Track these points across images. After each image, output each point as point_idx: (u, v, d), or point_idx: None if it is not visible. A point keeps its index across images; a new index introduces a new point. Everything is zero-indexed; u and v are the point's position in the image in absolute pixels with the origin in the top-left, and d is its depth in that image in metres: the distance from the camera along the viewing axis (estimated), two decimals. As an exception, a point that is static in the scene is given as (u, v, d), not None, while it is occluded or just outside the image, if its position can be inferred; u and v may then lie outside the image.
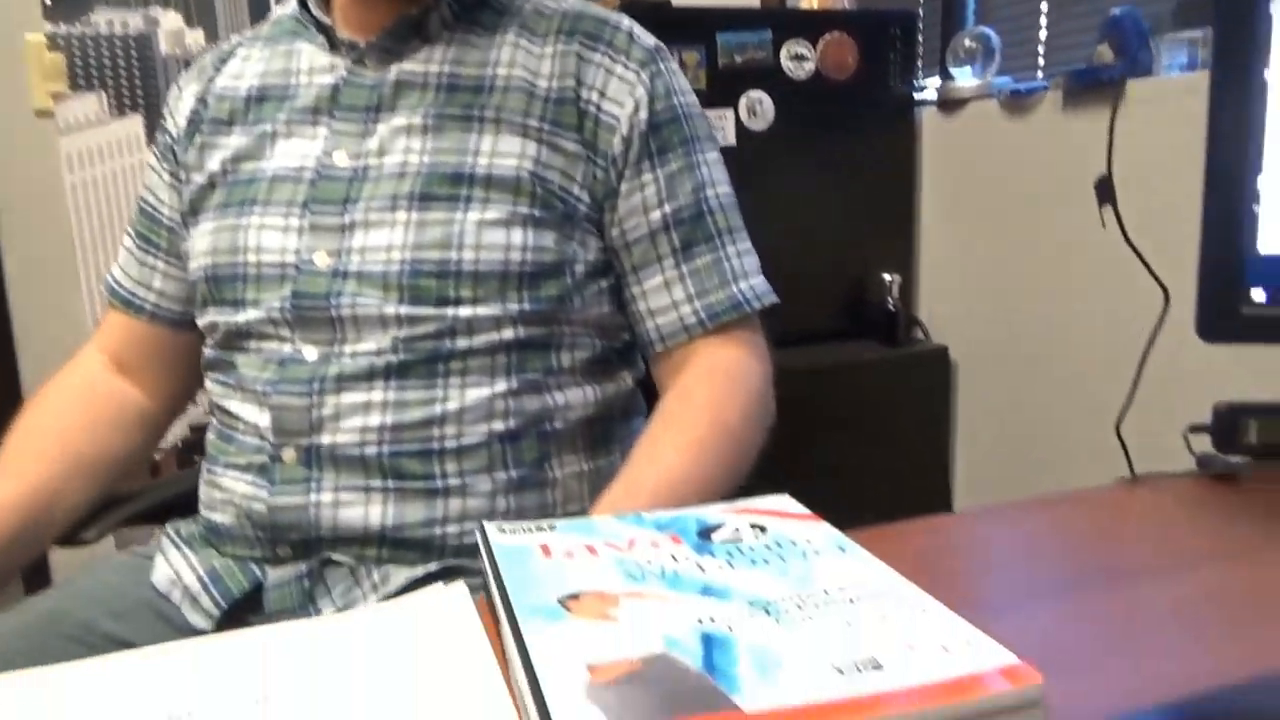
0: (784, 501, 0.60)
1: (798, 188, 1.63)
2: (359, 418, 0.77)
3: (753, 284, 0.87)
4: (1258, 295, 0.55)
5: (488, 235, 0.79)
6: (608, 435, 0.88)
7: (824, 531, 0.55)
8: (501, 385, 0.79)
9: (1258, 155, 0.55)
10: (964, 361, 1.64)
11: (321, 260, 0.80)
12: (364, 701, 0.45)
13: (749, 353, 0.86)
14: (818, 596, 0.46)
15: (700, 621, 0.44)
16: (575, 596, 0.47)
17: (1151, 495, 0.72)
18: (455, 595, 0.55)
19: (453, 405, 0.78)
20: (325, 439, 0.77)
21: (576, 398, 0.84)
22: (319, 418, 0.77)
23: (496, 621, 0.48)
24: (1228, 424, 0.76)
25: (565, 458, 0.84)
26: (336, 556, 0.79)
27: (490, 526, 0.56)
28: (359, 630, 0.53)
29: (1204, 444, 0.77)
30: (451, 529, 0.78)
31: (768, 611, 0.44)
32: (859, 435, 1.58)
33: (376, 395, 0.77)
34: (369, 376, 0.78)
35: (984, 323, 1.59)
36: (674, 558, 0.51)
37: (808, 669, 0.39)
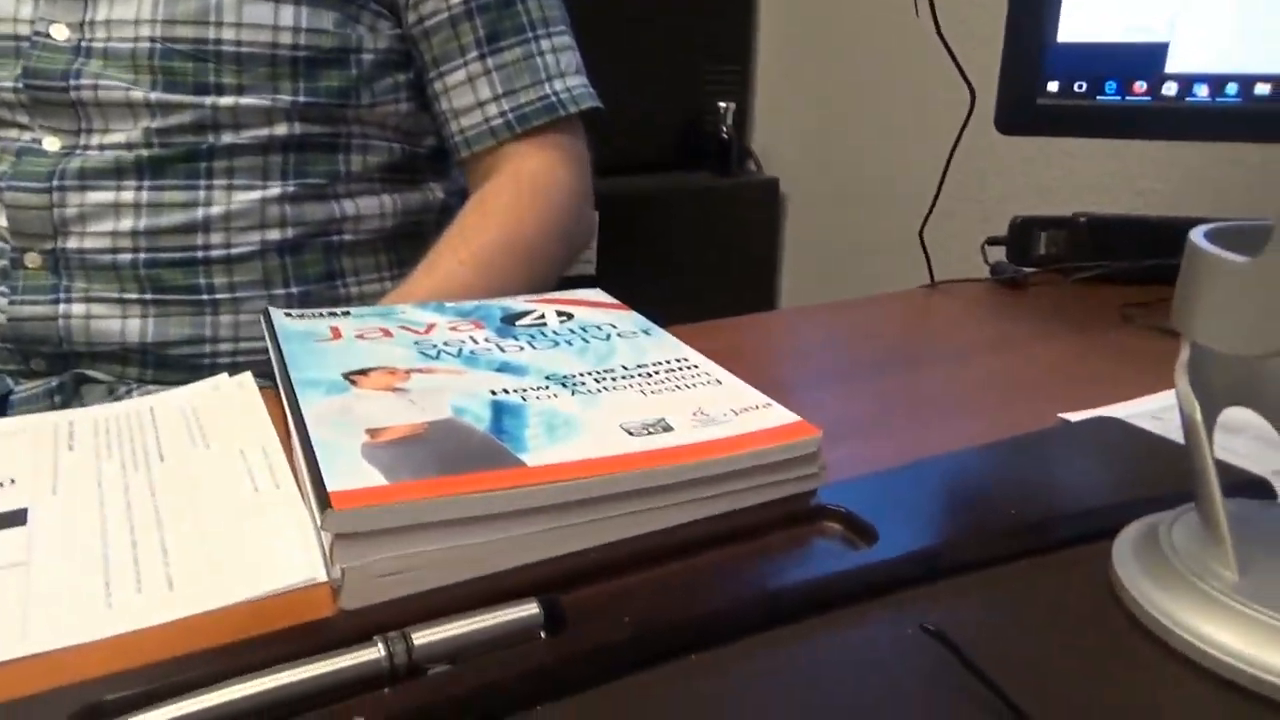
0: (594, 293, 0.60)
1: (633, 8, 1.57)
2: (108, 220, 0.69)
3: (569, 85, 0.79)
4: (1052, 86, 0.57)
5: (250, 11, 0.69)
6: (418, 252, 0.80)
7: (630, 317, 0.55)
8: (275, 189, 0.72)
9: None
10: (793, 194, 1.68)
11: (60, 33, 0.69)
12: (141, 485, 0.43)
13: (562, 162, 0.79)
14: (617, 372, 0.46)
15: (494, 393, 0.43)
16: (363, 372, 0.45)
17: (946, 299, 0.77)
18: (240, 384, 0.53)
19: (217, 209, 0.70)
20: (72, 243, 0.69)
21: (370, 207, 0.77)
22: (62, 218, 0.69)
23: (284, 408, 0.46)
24: (1021, 236, 0.82)
25: (363, 275, 0.78)
26: (93, 373, 0.72)
27: (276, 311, 0.53)
28: (137, 414, 0.50)
29: (999, 254, 0.82)
30: (224, 347, 0.72)
31: (565, 385, 0.44)
32: (687, 264, 1.60)
33: (128, 195, 0.69)
34: (117, 173, 0.69)
35: (814, 154, 1.62)
36: (473, 340, 0.50)
37: (597, 431, 0.39)
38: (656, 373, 0.46)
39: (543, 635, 0.30)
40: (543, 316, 0.55)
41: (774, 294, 1.70)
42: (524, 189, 0.77)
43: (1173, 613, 0.31)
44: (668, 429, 0.40)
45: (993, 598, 0.34)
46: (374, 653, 0.28)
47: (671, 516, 0.37)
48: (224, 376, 0.54)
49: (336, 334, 0.50)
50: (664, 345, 0.51)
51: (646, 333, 0.53)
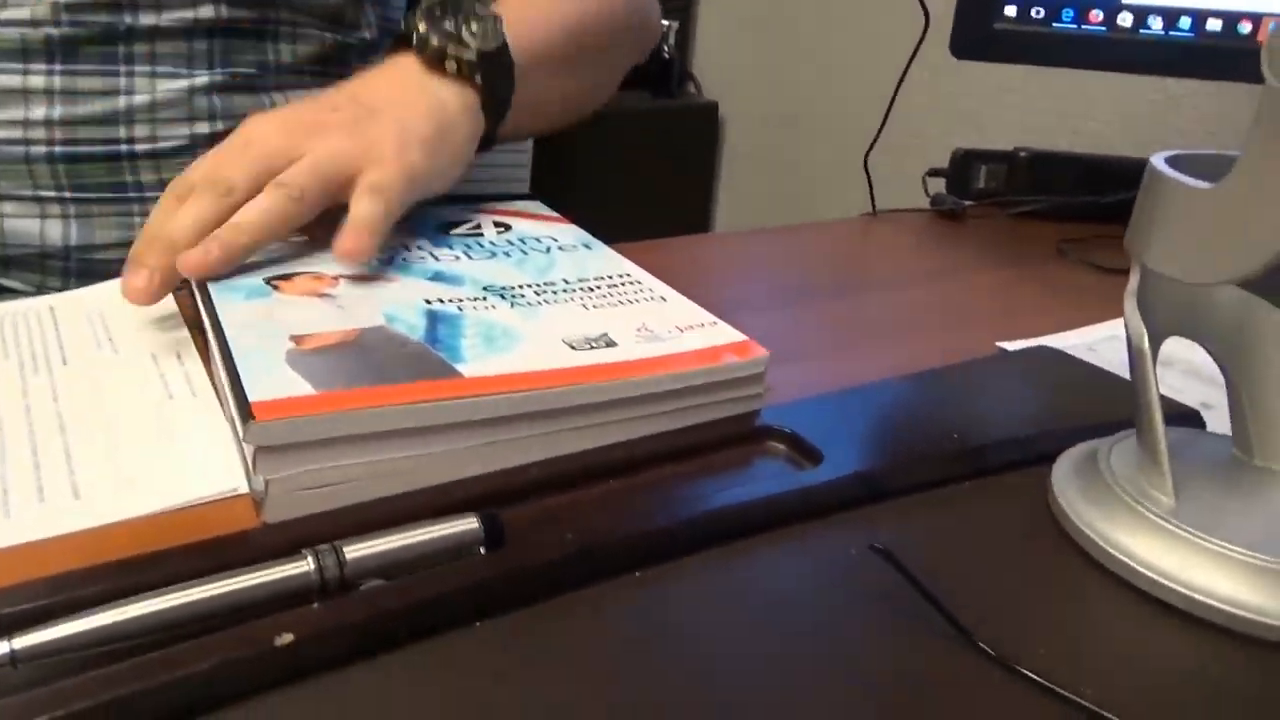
0: (534, 205, 0.58)
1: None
2: (17, 107, 0.62)
3: None
4: (1010, 11, 0.56)
5: None
6: None
7: (571, 230, 0.53)
8: (203, 78, 0.66)
9: None
10: (733, 118, 1.65)
11: None
12: (42, 389, 0.40)
13: None
14: (557, 286, 0.44)
15: (428, 301, 0.41)
16: (287, 277, 0.42)
17: (887, 227, 0.76)
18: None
19: (140, 99, 0.64)
20: None
21: (300, 99, 0.70)
22: None
23: (198, 313, 0.43)
24: (961, 169, 0.81)
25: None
26: (8, 283, 0.66)
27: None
28: (35, 314, 0.47)
29: (939, 186, 0.82)
30: None
31: (503, 297, 0.42)
32: (622, 184, 1.57)
33: (37, 80, 0.62)
34: (24, 54, 0.62)
35: (754, 78, 1.59)
36: (405, 247, 0.48)
37: (538, 344, 0.38)
38: (598, 287, 0.45)
39: (481, 551, 0.29)
40: (479, 227, 0.52)
41: (709, 218, 1.69)
42: None
43: (1110, 535, 0.32)
44: (611, 344, 0.39)
45: (935, 520, 0.34)
46: (302, 566, 0.26)
47: (613, 434, 0.36)
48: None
49: None
50: (606, 259, 0.49)
51: (587, 246, 0.51)
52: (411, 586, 0.27)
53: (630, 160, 1.57)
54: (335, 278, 0.42)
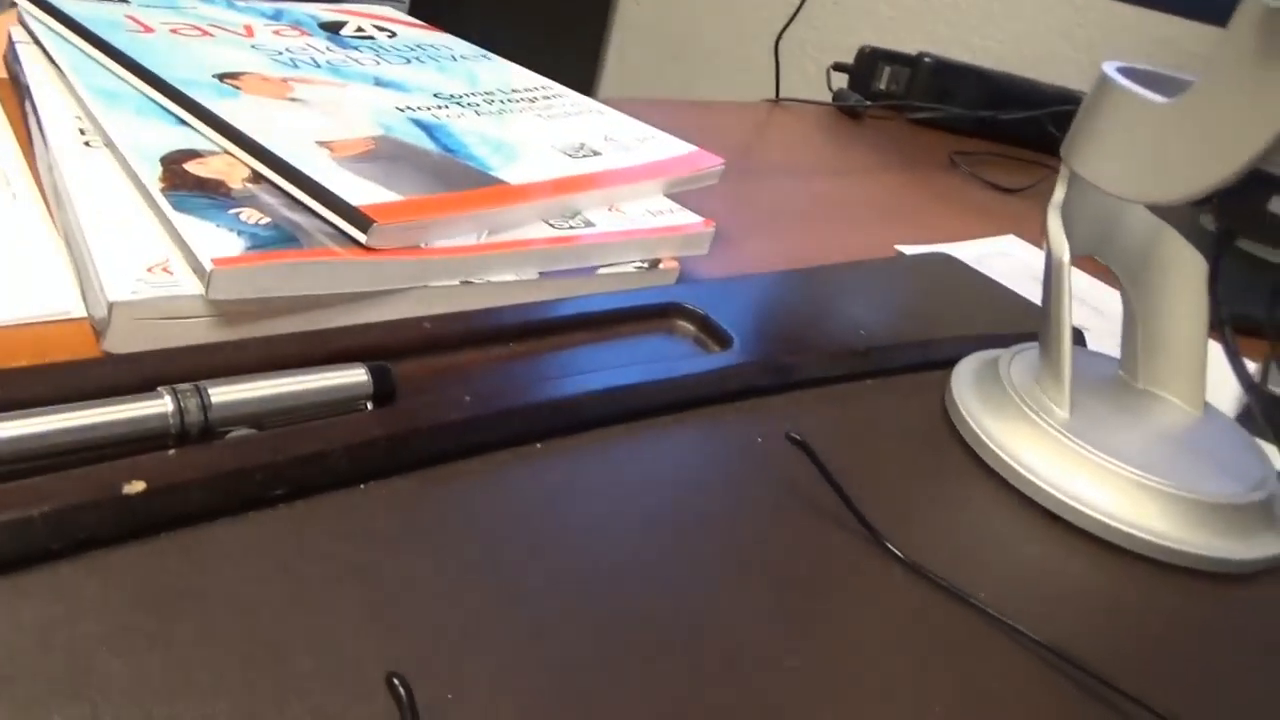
0: (387, 10, 0.54)
1: None
2: None
3: None
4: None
5: None
6: None
7: (460, 41, 0.51)
8: None
9: None
10: (629, -15, 1.57)
11: None
12: None
13: None
14: (497, 95, 0.43)
15: (400, 110, 0.38)
16: (234, 76, 0.37)
17: (789, 116, 0.75)
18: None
19: None
20: None
21: None
22: None
23: (24, 98, 0.36)
24: (866, 67, 0.80)
25: None
26: None
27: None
28: None
29: (842, 81, 0.81)
30: None
31: (461, 105, 0.41)
32: (503, 29, 1.47)
33: None
34: None
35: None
36: (314, 48, 0.43)
37: (537, 152, 0.38)
38: (535, 99, 0.44)
39: (369, 406, 0.26)
40: (362, 29, 0.48)
41: (592, 83, 1.62)
42: None
43: (1004, 441, 0.32)
44: (596, 153, 0.39)
45: (838, 413, 0.33)
46: (159, 405, 0.23)
47: (520, 294, 0.34)
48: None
49: (143, 25, 0.40)
50: (517, 71, 0.48)
51: (487, 58, 0.49)
52: (287, 438, 0.23)
53: (514, 8, 1.47)
54: (284, 80, 0.38)
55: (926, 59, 0.78)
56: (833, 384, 0.34)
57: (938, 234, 0.55)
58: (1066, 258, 0.33)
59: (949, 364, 0.37)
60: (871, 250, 0.49)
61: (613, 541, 0.25)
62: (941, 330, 0.39)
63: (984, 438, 0.32)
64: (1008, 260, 0.54)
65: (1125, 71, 0.31)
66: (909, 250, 0.51)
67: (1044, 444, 0.31)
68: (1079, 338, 0.43)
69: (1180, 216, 0.34)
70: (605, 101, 0.47)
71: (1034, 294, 0.45)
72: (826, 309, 0.39)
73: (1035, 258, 0.55)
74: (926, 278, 0.45)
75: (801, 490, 0.28)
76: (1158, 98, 0.29)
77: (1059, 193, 0.34)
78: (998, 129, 0.76)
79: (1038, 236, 0.58)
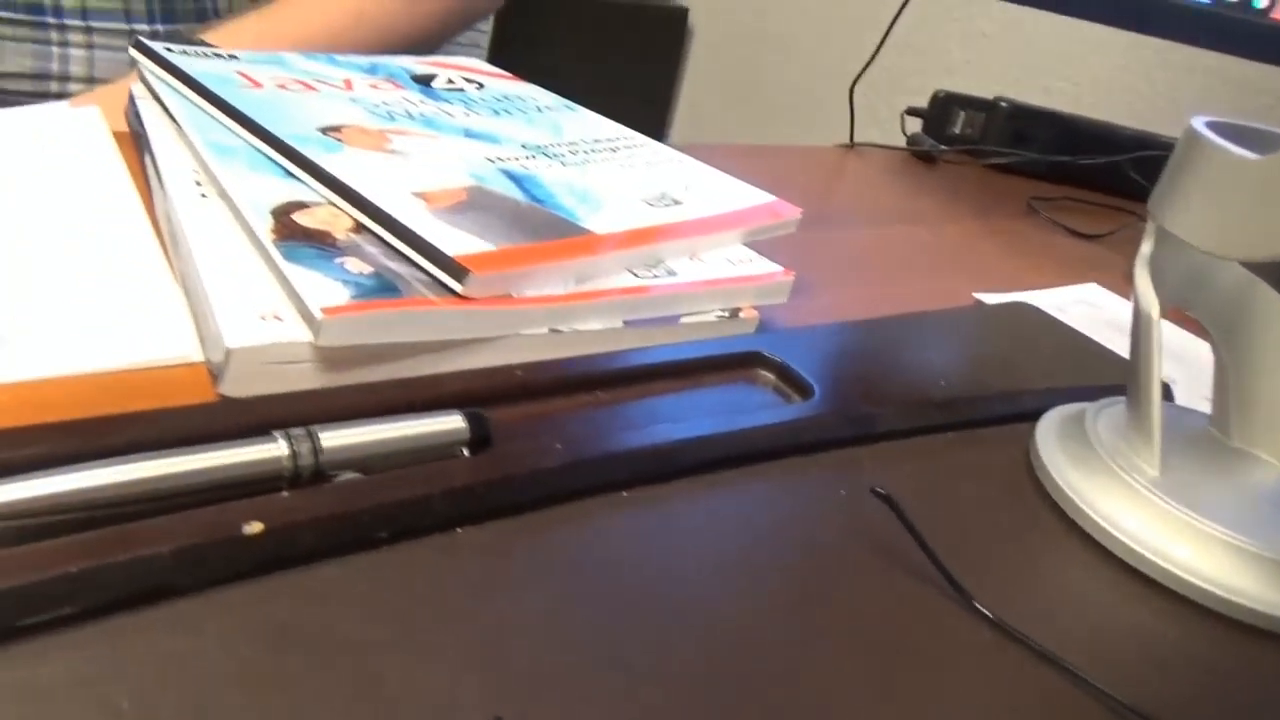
0: (474, 61, 0.55)
1: None
2: None
3: None
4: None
5: None
6: None
7: (543, 91, 0.52)
8: None
9: None
10: (701, 28, 1.60)
11: None
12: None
13: None
14: (581, 145, 0.45)
15: (490, 160, 0.40)
16: (336, 129, 0.39)
17: (862, 161, 0.75)
18: (86, 120, 0.44)
19: None
20: None
21: None
22: None
23: (141, 156, 0.38)
24: (940, 112, 0.80)
25: (240, 11, 0.66)
26: None
27: (156, 45, 0.44)
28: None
29: (916, 125, 0.81)
30: (75, 88, 0.61)
31: (547, 155, 0.42)
32: (577, 79, 1.51)
33: None
34: None
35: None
36: (409, 100, 0.45)
37: (621, 202, 0.39)
38: (617, 148, 0.45)
39: (465, 452, 0.27)
40: (452, 80, 0.50)
41: (663, 129, 1.64)
42: None
43: (1093, 499, 0.32)
44: (676, 202, 0.40)
45: (920, 467, 0.33)
46: (274, 449, 0.24)
47: (609, 342, 0.35)
48: (64, 105, 0.46)
49: (253, 81, 0.42)
50: (600, 121, 0.49)
51: (569, 108, 0.50)
52: (392, 483, 0.24)
53: (588, 52, 1.50)
54: (382, 132, 0.41)
55: (1002, 103, 0.78)
56: (914, 436, 0.34)
57: (1016, 281, 0.55)
58: (1156, 313, 0.32)
59: (1032, 416, 0.36)
60: (949, 298, 0.49)
61: (700, 592, 0.25)
62: (1024, 381, 0.39)
63: (1071, 495, 0.32)
64: (1090, 309, 0.53)
65: (1213, 126, 0.31)
66: (988, 298, 0.51)
67: (1134, 503, 0.31)
68: (1167, 392, 0.42)
69: (1274, 272, 0.34)
70: (677, 146, 0.48)
71: (1117, 344, 0.44)
72: (906, 358, 0.39)
73: (1118, 306, 0.54)
74: (1007, 327, 0.44)
75: (886, 545, 0.28)
76: (1249, 154, 0.29)
77: (1146, 246, 0.33)
78: (1076, 174, 0.75)
79: (1120, 284, 0.57)
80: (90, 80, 0.61)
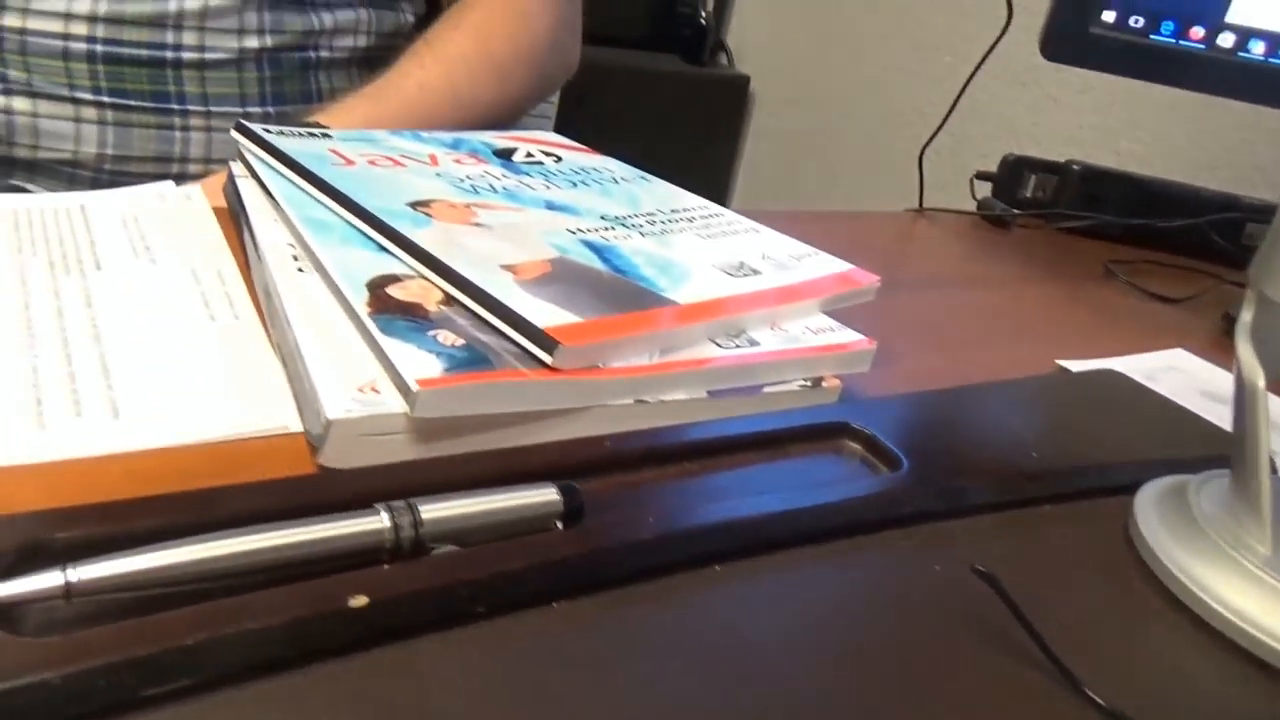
0: (551, 135, 0.57)
1: None
2: None
3: None
4: (1108, 17, 0.54)
5: None
6: None
7: (618, 163, 0.54)
8: None
9: None
10: (763, 95, 1.62)
11: None
12: (74, 292, 0.37)
13: None
14: (658, 215, 0.45)
15: (571, 232, 0.41)
16: (425, 203, 0.41)
17: (932, 226, 0.75)
18: (188, 196, 0.47)
19: (192, 4, 0.61)
20: (11, 20, 0.58)
21: (347, 20, 0.69)
22: None
23: (239, 231, 0.40)
24: (1011, 175, 0.80)
25: (339, 93, 0.70)
26: (31, 188, 0.63)
27: (255, 125, 0.47)
28: (66, 212, 0.44)
29: (985, 190, 0.80)
30: (194, 169, 0.64)
31: (627, 226, 0.43)
32: (640, 147, 1.53)
33: None
34: None
35: (791, 56, 1.56)
36: (491, 174, 0.46)
37: (700, 272, 0.39)
38: (693, 218, 0.46)
39: (559, 525, 0.27)
40: (531, 154, 0.51)
41: (726, 194, 1.66)
42: (499, 5, 0.71)
43: (1200, 578, 0.30)
44: (755, 271, 0.41)
45: (1015, 542, 0.32)
46: (376, 522, 0.24)
47: (693, 412, 0.35)
48: (169, 185, 0.48)
49: (345, 159, 0.44)
50: (675, 192, 0.50)
51: (646, 179, 0.51)
52: (491, 557, 0.25)
53: (650, 122, 1.53)
54: (468, 206, 0.42)
55: (1075, 166, 0.77)
56: (1006, 509, 0.34)
57: (1099, 348, 0.54)
58: (1262, 383, 0.31)
59: (1127, 489, 0.35)
60: (1032, 365, 0.48)
61: (794, 670, 0.25)
62: (1116, 452, 0.38)
63: (1178, 574, 0.31)
64: (1178, 376, 0.52)
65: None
66: (1072, 365, 0.50)
67: (1245, 583, 0.30)
68: (1273, 465, 0.40)
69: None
70: (741, 212, 0.49)
71: (1208, 411, 0.43)
72: (994, 428, 0.39)
73: (1209, 373, 0.52)
74: (1094, 395, 0.43)
75: (984, 625, 0.27)
76: (1361, 225, 0.28)
77: (1247, 315, 0.33)
78: (1152, 236, 0.74)
79: (1207, 349, 0.56)
80: (207, 161, 0.65)
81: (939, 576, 0.29)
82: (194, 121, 0.63)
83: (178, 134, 0.63)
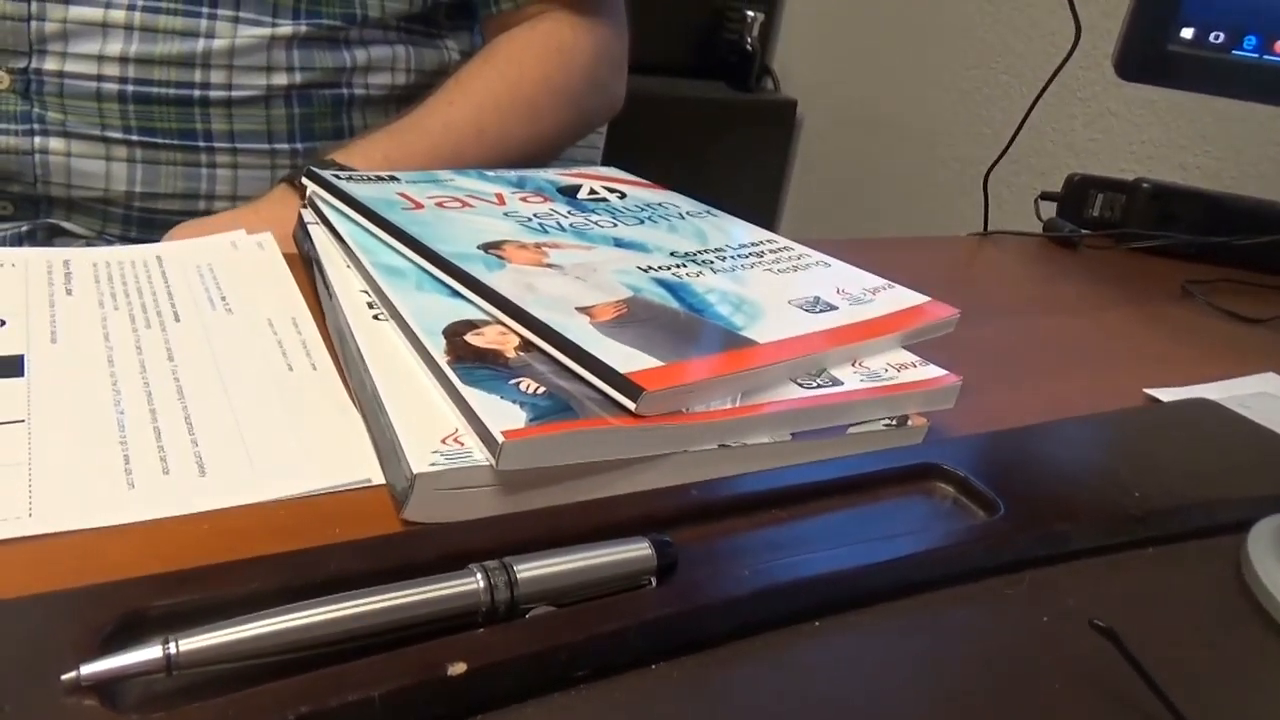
0: (613, 171, 0.57)
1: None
2: (94, 41, 0.60)
3: None
4: (1186, 33, 0.53)
5: None
6: None
7: (682, 197, 0.53)
8: (286, 28, 0.63)
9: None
10: (811, 120, 1.61)
11: None
12: (155, 345, 0.38)
13: (588, 27, 0.72)
14: (728, 251, 0.45)
15: (642, 270, 0.40)
16: (498, 245, 0.40)
17: (998, 249, 0.73)
18: (260, 244, 0.47)
19: (220, 43, 0.61)
20: (50, 64, 0.60)
21: (383, 57, 0.69)
22: (40, 33, 0.59)
23: (313, 280, 0.40)
24: (1076, 195, 0.78)
25: (373, 124, 0.69)
26: (68, 225, 0.64)
27: (323, 171, 0.47)
28: (143, 262, 0.44)
29: (1050, 210, 0.79)
30: (220, 205, 0.64)
31: (698, 263, 0.42)
32: (688, 174, 1.54)
33: (118, 14, 0.60)
34: None
35: (838, 80, 1.55)
36: (557, 213, 0.46)
37: (776, 309, 0.39)
38: (763, 253, 0.45)
39: (653, 581, 0.26)
40: (595, 190, 0.51)
41: (774, 219, 1.65)
42: (535, 41, 0.71)
43: (1328, 628, 0.29)
44: (831, 307, 0.40)
45: (1123, 588, 0.31)
46: (471, 584, 0.24)
47: (780, 456, 0.34)
48: (241, 233, 0.48)
49: (414, 203, 0.44)
50: (743, 226, 0.50)
51: (711, 214, 0.51)
52: (590, 619, 0.24)
53: (698, 149, 1.53)
54: (538, 246, 0.42)
55: (1144, 184, 0.75)
56: (1110, 553, 0.32)
57: (1185, 374, 0.52)
58: (1385, 419, 0.30)
59: (1236, 528, 0.33)
60: (1119, 395, 0.47)
61: (907, 733, 0.23)
62: (1220, 488, 0.36)
63: (1302, 620, 0.29)
64: (1272, 402, 0.49)
65: None
66: (1161, 394, 0.48)
67: (1379, 631, 0.28)
68: (1384, 497, 0.38)
69: None
70: (818, 238, 0.48)
71: (1318, 445, 0.41)
72: (1090, 466, 0.37)
73: (1304, 399, 0.50)
74: (1190, 427, 0.42)
75: (1101, 680, 0.26)
76: None
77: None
78: (1229, 254, 0.71)
79: (1300, 373, 0.53)
80: (234, 198, 0.65)
81: (1048, 628, 0.28)
82: (220, 159, 0.64)
83: (204, 170, 0.64)
